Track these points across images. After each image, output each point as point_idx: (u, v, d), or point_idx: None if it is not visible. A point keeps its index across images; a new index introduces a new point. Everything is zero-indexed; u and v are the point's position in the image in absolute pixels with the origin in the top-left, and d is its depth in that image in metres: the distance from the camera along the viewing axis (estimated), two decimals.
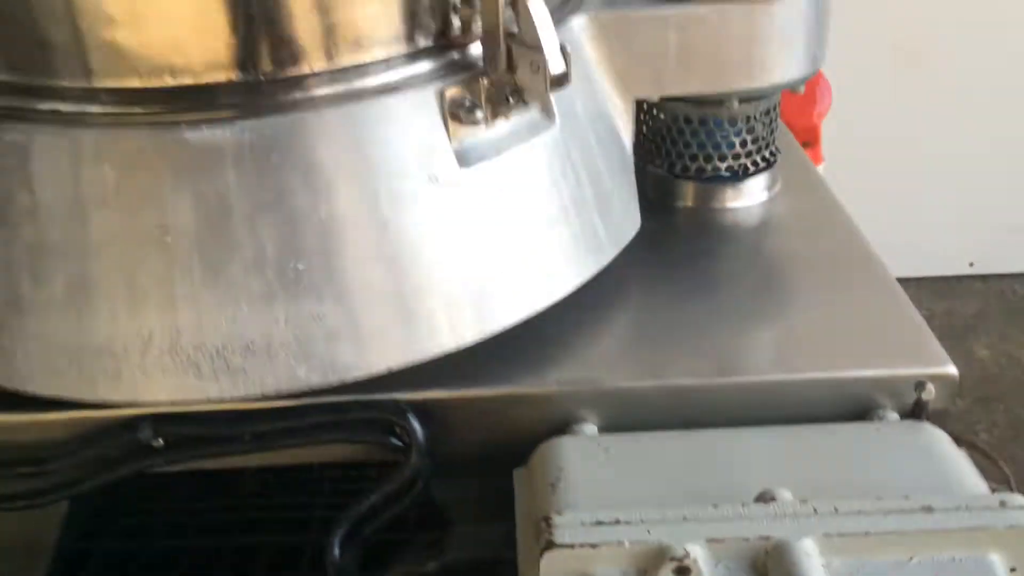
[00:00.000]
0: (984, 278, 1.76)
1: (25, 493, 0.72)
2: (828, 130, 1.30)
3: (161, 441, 0.69)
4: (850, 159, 1.42)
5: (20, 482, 0.72)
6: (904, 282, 0.86)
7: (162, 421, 0.68)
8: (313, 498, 0.97)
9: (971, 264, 1.77)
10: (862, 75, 1.53)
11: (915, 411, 0.71)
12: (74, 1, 0.62)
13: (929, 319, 1.43)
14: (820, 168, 1.18)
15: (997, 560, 0.57)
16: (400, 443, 0.70)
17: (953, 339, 1.62)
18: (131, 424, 0.68)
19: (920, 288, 1.71)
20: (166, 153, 0.61)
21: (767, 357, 0.74)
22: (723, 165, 0.89)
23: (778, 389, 0.70)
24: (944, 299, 1.70)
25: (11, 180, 0.64)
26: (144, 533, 0.95)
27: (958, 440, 0.69)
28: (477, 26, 0.67)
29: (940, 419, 0.71)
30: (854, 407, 0.70)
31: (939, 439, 0.68)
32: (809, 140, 1.22)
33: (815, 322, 0.77)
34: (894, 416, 0.71)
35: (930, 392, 0.71)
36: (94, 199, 0.63)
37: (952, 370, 0.72)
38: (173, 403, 0.65)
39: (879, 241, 0.88)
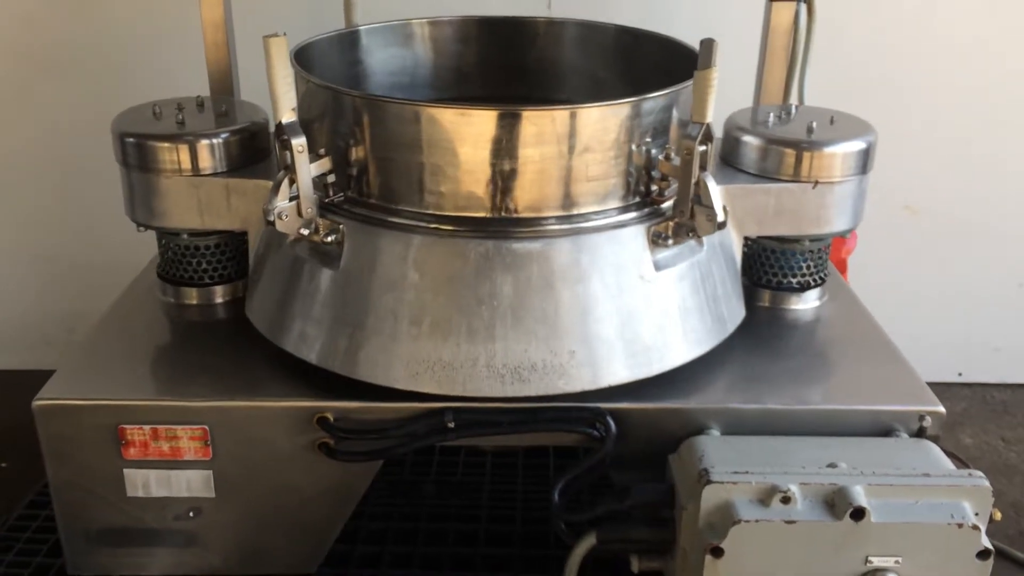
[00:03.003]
0: (970, 385, 2.18)
1: (364, 450, 1.11)
2: (852, 263, 1.74)
3: (453, 423, 1.10)
4: (869, 287, 1.84)
5: (359, 443, 1.11)
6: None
7: (459, 411, 1.09)
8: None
9: (960, 374, 2.18)
10: (877, 225, 1.99)
11: (919, 433, 1.12)
12: (425, 167, 1.07)
13: None
14: None
15: (967, 505, 0.98)
16: (599, 435, 1.10)
17: (945, 429, 2.02)
18: (440, 411, 1.09)
19: None
20: (505, 255, 1.06)
21: (826, 395, 1.15)
22: (794, 281, 1.33)
23: (834, 414, 1.12)
24: (939, 400, 2.11)
25: (399, 263, 1.09)
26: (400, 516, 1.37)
27: (944, 450, 1.10)
28: (668, 192, 1.13)
29: (933, 439, 1.12)
30: (881, 429, 1.11)
31: (933, 448, 1.09)
32: (839, 270, 1.65)
33: (856, 377, 1.18)
34: (905, 435, 1.12)
35: (928, 421, 1.12)
36: (451, 275, 1.07)
37: (941, 409, 1.13)
38: (485, 399, 1.07)
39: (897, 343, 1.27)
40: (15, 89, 1.88)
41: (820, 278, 1.34)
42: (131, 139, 1.23)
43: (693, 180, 1.06)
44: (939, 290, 2.10)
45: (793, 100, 1.56)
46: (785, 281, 1.33)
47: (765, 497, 0.98)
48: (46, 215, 2.01)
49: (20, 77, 1.88)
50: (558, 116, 1.05)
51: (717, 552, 0.97)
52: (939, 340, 2.11)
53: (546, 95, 1.52)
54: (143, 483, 1.11)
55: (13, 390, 2.02)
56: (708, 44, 1.02)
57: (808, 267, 1.32)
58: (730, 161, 1.28)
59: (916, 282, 2.09)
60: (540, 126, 1.05)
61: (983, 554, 0.96)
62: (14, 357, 2.11)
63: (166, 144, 1.22)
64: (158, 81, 1.81)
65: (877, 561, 0.97)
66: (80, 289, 2.07)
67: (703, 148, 1.05)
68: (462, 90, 1.53)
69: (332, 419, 1.09)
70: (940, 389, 2.14)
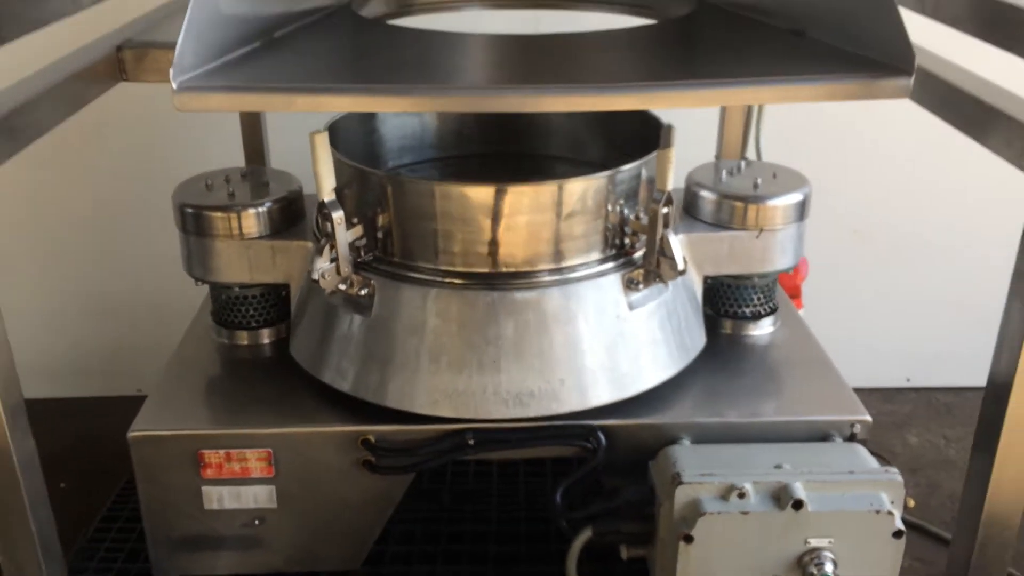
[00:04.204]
0: (917, 390, 2.39)
1: (400, 465, 1.32)
2: (810, 283, 1.96)
3: (472, 441, 1.32)
4: (824, 304, 2.06)
5: (397, 459, 1.33)
6: (860, 391, 1.46)
7: (478, 430, 1.31)
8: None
9: (908, 379, 2.40)
10: (829, 248, 2.22)
11: (850, 438, 1.34)
12: (439, 232, 1.29)
13: (877, 415, 2.12)
14: (801, 311, 1.82)
15: (884, 495, 1.20)
16: (592, 447, 1.32)
17: (894, 429, 2.23)
18: (461, 431, 1.30)
19: (871, 395, 2.34)
20: (507, 303, 1.28)
21: (776, 408, 1.37)
22: (747, 311, 1.55)
23: (782, 424, 1.33)
24: (888, 403, 2.32)
25: (420, 311, 1.30)
26: (423, 520, 1.58)
27: (871, 452, 1.32)
28: (638, 245, 1.35)
29: (862, 442, 1.34)
30: (819, 435, 1.32)
31: (861, 450, 1.30)
32: (794, 294, 1.87)
33: (800, 393, 1.40)
34: (839, 440, 1.34)
35: (857, 428, 1.34)
36: (464, 320, 1.28)
37: (868, 418, 1.34)
38: (492, 420, 1.29)
39: (843, 360, 1.50)
40: (68, 153, 2.10)
41: (770, 307, 1.56)
42: (190, 209, 1.44)
43: (658, 236, 1.28)
44: (887, 304, 2.33)
45: (751, 153, 1.80)
46: (741, 311, 1.55)
47: (725, 494, 1.19)
48: (91, 260, 2.24)
49: (71, 143, 2.10)
50: (547, 189, 1.27)
51: (688, 539, 1.18)
52: (889, 349, 2.34)
53: (537, 152, 1.74)
54: (217, 498, 1.32)
55: (59, 417, 2.25)
56: (667, 129, 1.24)
57: (759, 299, 1.54)
58: (690, 212, 1.50)
59: (867, 297, 2.32)
60: (533, 197, 1.27)
61: (897, 534, 1.18)
62: (59, 386, 2.33)
63: (220, 214, 1.43)
64: (193, 145, 2.04)
65: (814, 542, 1.19)
66: (117, 325, 2.29)
67: (665, 210, 1.27)
68: (463, 149, 1.75)
69: (373, 440, 1.30)
70: (890, 393, 2.41)
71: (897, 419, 2.25)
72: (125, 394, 2.31)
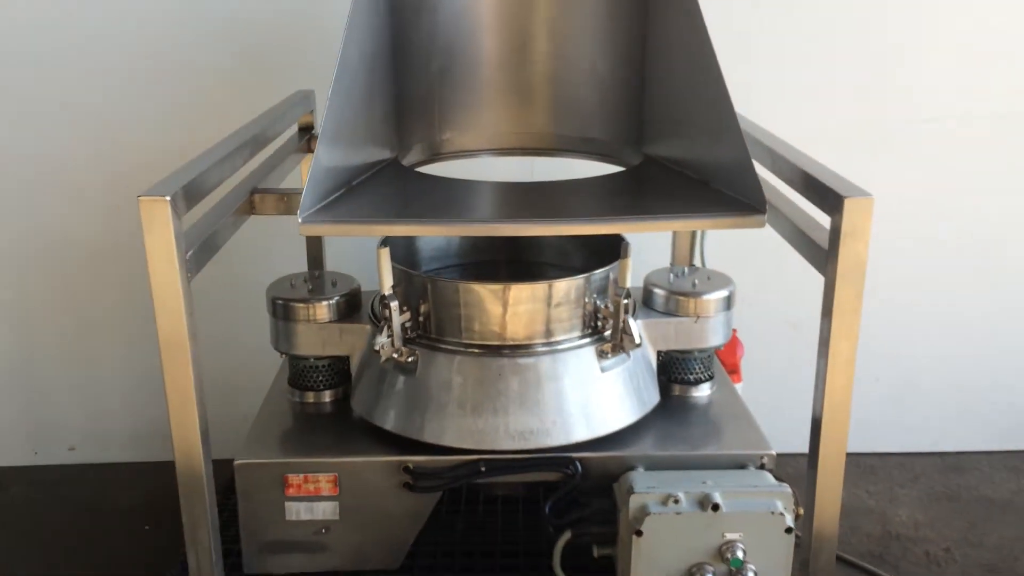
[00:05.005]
0: (847, 454, 2.89)
1: (431, 485, 1.81)
2: (752, 365, 2.47)
3: (484, 468, 1.81)
4: (765, 383, 2.56)
5: (426, 481, 1.81)
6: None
7: (488, 461, 1.80)
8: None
9: None
10: (769, 335, 2.73)
11: (761, 467, 1.83)
12: (462, 316, 1.81)
13: None
14: (740, 384, 2.32)
15: (779, 502, 1.68)
16: (571, 473, 1.81)
17: None
18: (476, 461, 1.80)
19: None
20: (512, 366, 1.79)
21: (708, 446, 1.86)
22: (691, 377, 2.06)
23: (711, 457, 1.82)
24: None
25: (449, 373, 1.81)
26: (443, 542, 2.04)
27: (775, 476, 1.80)
28: (608, 326, 1.87)
29: (769, 471, 1.83)
30: (739, 464, 1.81)
31: (766, 474, 1.79)
32: (733, 370, 2.37)
33: (725, 436, 1.89)
34: (753, 469, 1.83)
35: (765, 460, 1.83)
36: (482, 378, 1.79)
37: (773, 452, 1.84)
38: (503, 451, 1.77)
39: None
40: None
41: (708, 375, 2.07)
42: (280, 301, 1.96)
43: (621, 320, 1.80)
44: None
45: (697, 260, 2.34)
46: (686, 378, 2.06)
47: (665, 500, 1.67)
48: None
49: None
50: (541, 287, 1.80)
51: (639, 533, 1.66)
52: None
53: (533, 259, 2.28)
54: (296, 511, 1.79)
55: (137, 476, 2.71)
56: (625, 245, 1.78)
57: (699, 368, 2.05)
58: (647, 303, 2.02)
59: (798, 379, 2.76)
60: (530, 293, 1.80)
61: (788, 531, 1.66)
62: (142, 451, 2.79)
63: (301, 304, 1.95)
64: (263, 250, 2.58)
65: (729, 536, 1.66)
66: None
67: (625, 302, 1.80)
68: (478, 257, 2.28)
69: (411, 467, 1.79)
70: None
71: None
72: None
